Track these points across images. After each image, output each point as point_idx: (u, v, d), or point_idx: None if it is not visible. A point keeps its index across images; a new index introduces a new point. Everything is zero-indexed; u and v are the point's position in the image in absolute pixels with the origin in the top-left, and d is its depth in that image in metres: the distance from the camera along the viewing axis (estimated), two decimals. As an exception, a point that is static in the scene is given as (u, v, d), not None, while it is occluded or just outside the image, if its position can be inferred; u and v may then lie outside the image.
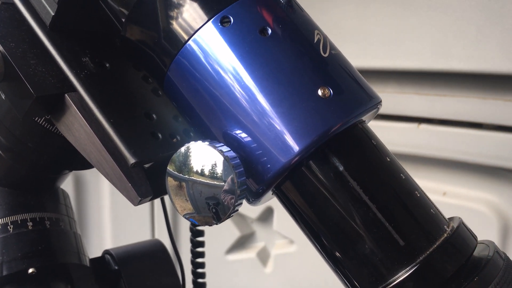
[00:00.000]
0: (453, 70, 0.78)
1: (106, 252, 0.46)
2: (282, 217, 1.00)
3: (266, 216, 1.04)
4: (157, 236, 1.15)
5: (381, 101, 0.28)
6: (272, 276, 1.05)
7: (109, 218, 1.19)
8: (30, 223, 0.37)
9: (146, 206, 1.14)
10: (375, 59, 0.79)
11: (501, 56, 0.74)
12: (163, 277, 0.45)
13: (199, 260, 0.49)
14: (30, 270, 0.35)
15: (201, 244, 0.49)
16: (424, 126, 0.84)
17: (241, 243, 1.09)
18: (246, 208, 1.03)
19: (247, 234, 1.08)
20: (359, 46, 0.81)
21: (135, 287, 0.43)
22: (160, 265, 0.45)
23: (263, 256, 1.07)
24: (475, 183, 0.84)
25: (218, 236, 1.07)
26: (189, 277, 0.50)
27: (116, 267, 0.44)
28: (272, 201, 1.09)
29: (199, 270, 0.49)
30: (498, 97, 0.80)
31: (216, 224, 0.26)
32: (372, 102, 0.27)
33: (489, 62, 0.75)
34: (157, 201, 1.14)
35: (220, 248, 1.08)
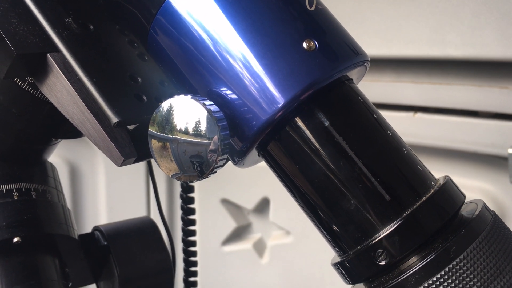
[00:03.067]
0: (449, 57, 0.78)
1: (96, 228, 0.45)
2: (279, 208, 1.00)
3: (262, 207, 1.04)
4: (152, 215, 1.15)
5: (368, 60, 0.27)
6: (269, 267, 1.05)
7: (104, 197, 1.19)
8: (15, 193, 0.36)
9: (141, 185, 1.14)
10: (370, 47, 0.79)
11: (497, 43, 0.74)
12: (153, 253, 0.45)
13: (191, 238, 0.49)
14: (15, 239, 0.35)
15: (193, 222, 0.49)
16: (420, 115, 0.84)
17: (237, 234, 1.09)
18: (242, 199, 1.03)
19: (243, 225, 1.08)
20: (355, 34, 0.81)
21: (124, 263, 0.43)
22: (149, 241, 0.45)
23: (260, 247, 1.07)
24: (470, 171, 0.84)
25: (214, 227, 1.07)
26: (180, 256, 0.50)
27: (105, 243, 0.43)
28: (268, 191, 1.09)
29: (191, 249, 0.49)
30: (494, 85, 0.79)
31: (199, 180, 0.25)
32: (358, 58, 0.26)
33: (485, 49, 0.75)
34: (152, 192, 1.14)
35: (216, 239, 1.08)
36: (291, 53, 0.24)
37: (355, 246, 0.25)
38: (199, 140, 0.25)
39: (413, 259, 0.24)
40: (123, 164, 0.28)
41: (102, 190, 1.19)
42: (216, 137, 0.24)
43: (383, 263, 0.24)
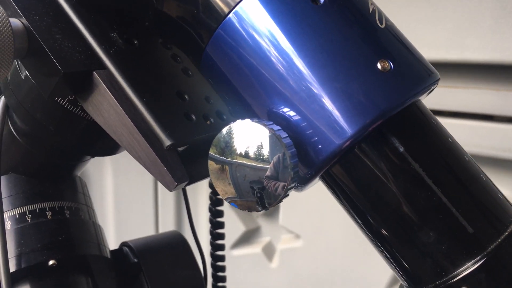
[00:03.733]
0: (467, 60, 0.77)
1: (124, 244, 0.44)
2: (288, 212, 0.99)
3: (272, 210, 1.03)
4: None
5: (439, 78, 0.26)
6: (278, 271, 1.04)
7: (112, 213, 1.18)
8: (49, 213, 0.34)
9: (149, 200, 1.13)
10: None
11: (516, 46, 0.73)
12: (184, 270, 0.43)
13: (219, 253, 0.47)
14: (51, 262, 0.33)
15: (222, 236, 0.47)
16: (436, 119, 0.82)
17: (246, 238, 1.08)
18: (253, 202, 1.02)
19: (252, 229, 1.07)
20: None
21: (155, 281, 0.41)
22: (180, 258, 0.43)
23: (269, 251, 1.06)
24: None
25: (223, 231, 1.06)
26: (209, 270, 0.48)
27: (136, 260, 0.42)
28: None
29: (219, 263, 0.48)
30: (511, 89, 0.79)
31: (261, 210, 0.24)
32: (432, 78, 0.25)
33: (504, 52, 0.74)
34: (161, 194, 1.12)
35: (225, 243, 1.07)
36: (365, 75, 0.23)
37: (434, 281, 0.24)
38: (262, 165, 0.24)
39: None
40: (175, 188, 0.26)
41: (110, 194, 1.17)
42: (286, 162, 0.23)
43: None
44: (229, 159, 0.24)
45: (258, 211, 0.24)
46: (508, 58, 0.75)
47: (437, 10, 0.77)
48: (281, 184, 0.23)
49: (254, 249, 1.07)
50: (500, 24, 0.74)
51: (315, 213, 0.93)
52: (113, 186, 1.16)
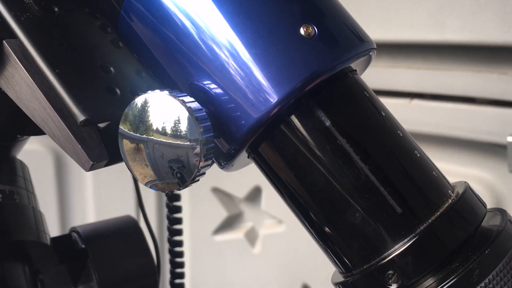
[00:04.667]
0: (448, 41, 0.76)
1: (73, 229, 0.42)
2: (271, 197, 0.97)
3: (254, 195, 1.02)
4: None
5: (375, 48, 0.23)
6: (260, 257, 1.03)
7: (92, 196, 1.16)
8: (-22, 196, 0.32)
9: (130, 182, 1.11)
10: (365, 30, 0.76)
11: (497, 27, 0.72)
12: (135, 257, 0.41)
13: (177, 238, 0.46)
14: (-22, 249, 0.31)
15: (179, 220, 0.45)
16: (416, 102, 0.82)
17: (228, 224, 1.07)
18: (234, 188, 1.01)
19: (235, 214, 1.06)
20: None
21: (103, 268, 0.39)
22: (131, 244, 0.41)
23: (251, 237, 1.05)
24: (467, 159, 0.83)
25: (205, 216, 1.05)
26: (166, 257, 0.46)
27: (83, 246, 0.40)
28: (260, 180, 1.07)
29: (177, 249, 0.46)
30: (493, 70, 0.77)
31: (179, 189, 0.22)
32: (364, 46, 0.23)
33: (485, 33, 0.73)
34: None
35: (207, 228, 1.06)
36: (286, 40, 0.21)
37: (361, 265, 0.22)
38: (179, 142, 0.21)
39: (429, 281, 0.21)
40: (92, 168, 0.24)
41: (89, 179, 1.16)
42: (197, 139, 0.21)
43: (394, 286, 0.21)
44: (144, 136, 0.22)
45: (174, 191, 0.22)
46: (489, 39, 0.73)
47: (417, -11, 0.75)
48: (194, 161, 0.21)
49: (236, 235, 1.07)
50: (481, 4, 0.73)
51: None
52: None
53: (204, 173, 0.22)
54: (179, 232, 0.46)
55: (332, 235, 0.23)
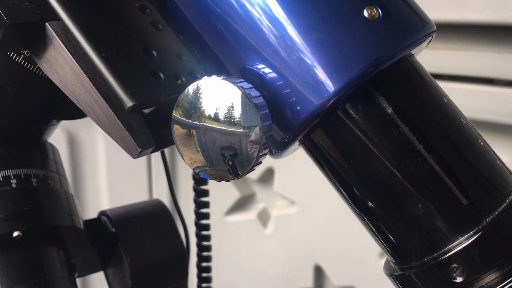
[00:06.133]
0: (468, 21, 0.74)
1: (102, 213, 0.42)
2: (283, 178, 0.97)
3: (267, 177, 1.02)
4: (155, 197, 1.12)
5: (435, 30, 0.23)
6: (273, 238, 1.03)
7: (105, 178, 1.16)
8: (14, 180, 0.32)
9: (143, 164, 1.11)
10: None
11: (521, 6, 0.70)
12: (165, 240, 0.41)
13: (204, 221, 0.45)
14: (15, 234, 0.31)
15: (206, 204, 0.45)
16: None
17: (241, 204, 1.07)
18: (246, 169, 1.00)
19: (247, 195, 1.06)
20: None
21: (134, 251, 0.39)
22: (161, 227, 0.41)
23: (264, 218, 1.05)
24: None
25: (217, 197, 1.05)
26: (193, 240, 0.46)
27: (114, 230, 0.40)
28: (272, 161, 1.06)
29: (204, 233, 0.46)
30: (514, 51, 0.76)
31: (234, 179, 0.21)
32: (427, 29, 0.22)
33: (507, 13, 0.71)
34: (155, 159, 1.10)
35: (219, 209, 1.07)
36: (350, 23, 0.20)
37: (421, 258, 0.21)
38: (233, 129, 0.21)
39: (494, 275, 0.20)
40: (140, 155, 0.23)
41: (102, 159, 1.15)
42: (257, 128, 0.20)
43: (459, 280, 0.20)
44: (197, 122, 0.21)
45: (229, 180, 0.21)
46: (510, 18, 0.72)
47: (438, -34, 0.74)
48: (252, 150, 0.20)
49: (248, 216, 1.07)
50: (505, -18, 0.71)
51: (310, 179, 0.91)
52: (105, 150, 1.14)
53: (261, 162, 0.21)
54: (206, 216, 0.46)
55: (390, 226, 0.22)
